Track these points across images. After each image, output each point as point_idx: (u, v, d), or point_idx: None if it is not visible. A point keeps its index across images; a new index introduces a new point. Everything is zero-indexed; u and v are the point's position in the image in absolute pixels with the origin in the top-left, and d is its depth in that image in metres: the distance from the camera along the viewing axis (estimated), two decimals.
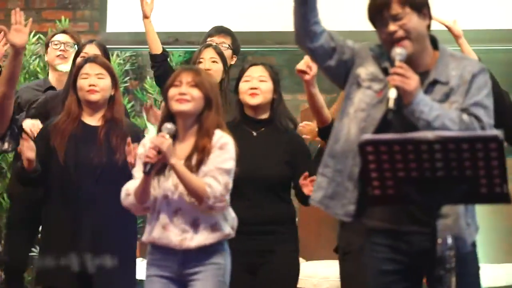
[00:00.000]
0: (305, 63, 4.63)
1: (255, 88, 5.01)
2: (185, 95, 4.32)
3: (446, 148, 3.13)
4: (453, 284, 3.24)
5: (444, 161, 3.15)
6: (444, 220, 3.60)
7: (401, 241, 3.48)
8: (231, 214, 4.42)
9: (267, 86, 5.03)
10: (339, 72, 3.81)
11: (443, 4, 6.58)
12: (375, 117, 3.66)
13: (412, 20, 3.63)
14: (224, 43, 6.06)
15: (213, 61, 5.65)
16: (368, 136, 3.37)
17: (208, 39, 6.11)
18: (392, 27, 3.62)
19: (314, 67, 4.53)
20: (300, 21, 3.73)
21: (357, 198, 3.66)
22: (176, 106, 4.34)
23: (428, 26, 3.69)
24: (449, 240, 3.25)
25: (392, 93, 3.51)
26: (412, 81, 3.55)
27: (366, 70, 3.75)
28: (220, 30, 6.23)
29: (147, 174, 4.19)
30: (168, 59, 6.13)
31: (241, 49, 6.41)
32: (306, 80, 4.70)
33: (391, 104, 3.47)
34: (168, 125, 4.26)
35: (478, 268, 3.84)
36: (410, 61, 3.64)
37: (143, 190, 4.28)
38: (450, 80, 3.72)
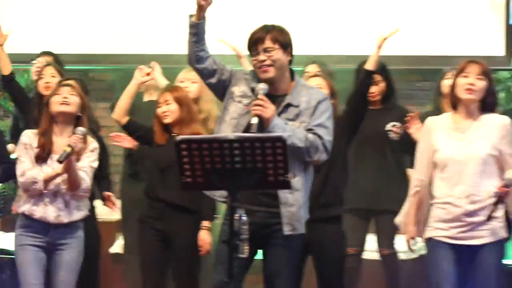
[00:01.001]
0: None
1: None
2: (67, 99, 5.34)
3: (243, 146, 3.83)
4: (246, 251, 3.96)
5: (241, 156, 3.84)
6: (290, 208, 4.66)
7: (251, 216, 4.20)
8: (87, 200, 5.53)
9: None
10: (218, 88, 4.73)
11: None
12: (243, 124, 4.57)
13: (278, 54, 4.56)
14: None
15: (53, 76, 6.35)
16: (182, 136, 4.06)
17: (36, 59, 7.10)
18: (262, 56, 4.55)
19: None
20: (191, 48, 4.64)
21: None
22: (58, 107, 5.34)
23: (290, 61, 4.65)
24: (244, 217, 3.94)
25: (254, 120, 4.37)
26: (269, 110, 4.42)
27: (239, 88, 4.68)
28: (44, 53, 7.23)
29: (60, 162, 5.09)
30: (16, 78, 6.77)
31: (84, 67, 8.16)
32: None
33: (253, 128, 4.36)
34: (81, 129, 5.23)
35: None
36: (272, 83, 4.58)
37: (72, 178, 5.21)
38: (300, 104, 4.65)
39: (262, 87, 4.50)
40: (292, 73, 4.70)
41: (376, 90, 6.38)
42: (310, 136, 4.59)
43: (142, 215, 5.83)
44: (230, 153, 3.86)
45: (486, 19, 8.43)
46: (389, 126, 6.47)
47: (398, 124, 6.40)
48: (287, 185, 4.06)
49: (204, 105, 6.37)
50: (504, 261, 6.56)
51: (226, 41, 6.10)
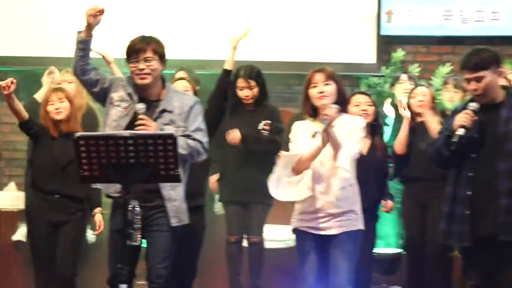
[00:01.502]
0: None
1: None
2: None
3: (136, 142, 4.09)
4: (138, 239, 4.31)
5: (135, 152, 4.10)
6: (174, 202, 5.03)
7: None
8: None
9: None
10: (100, 96, 5.08)
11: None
12: (122, 125, 4.90)
13: (156, 64, 4.94)
14: None
15: None
16: (80, 133, 4.29)
17: None
18: (142, 65, 4.90)
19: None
20: (78, 61, 5.01)
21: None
22: None
23: (162, 70, 5.02)
24: (137, 208, 4.23)
25: None
26: (152, 127, 4.79)
27: (117, 94, 5.03)
28: None
29: None
30: None
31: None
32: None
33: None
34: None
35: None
36: (147, 89, 4.96)
37: None
38: (174, 109, 5.00)
39: (141, 107, 4.85)
40: (163, 80, 5.07)
41: (250, 93, 6.68)
42: (191, 142, 4.96)
43: (30, 207, 6.09)
44: (124, 149, 4.12)
45: (359, 29, 8.69)
46: (261, 125, 6.74)
47: (268, 121, 6.71)
48: (177, 179, 4.34)
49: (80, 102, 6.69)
50: (377, 250, 7.04)
51: (96, 48, 6.23)
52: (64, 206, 5.99)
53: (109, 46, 6.57)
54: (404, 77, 7.70)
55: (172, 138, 4.21)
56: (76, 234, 6.05)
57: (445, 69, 8.54)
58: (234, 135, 6.67)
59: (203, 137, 5.13)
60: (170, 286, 5.27)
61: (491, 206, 5.09)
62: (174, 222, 5.03)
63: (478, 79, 5.06)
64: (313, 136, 5.01)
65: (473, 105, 5.02)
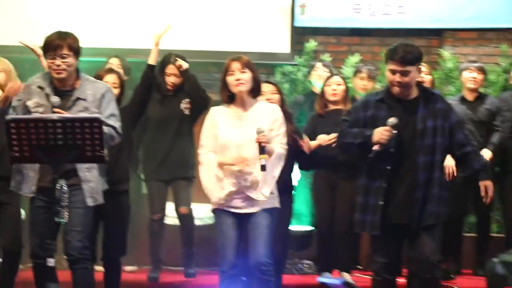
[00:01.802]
0: None
1: None
2: None
3: (65, 125, 4.35)
4: (65, 216, 4.58)
5: (63, 134, 4.35)
6: (89, 184, 5.18)
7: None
8: None
9: None
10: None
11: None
12: None
13: (72, 60, 5.07)
14: None
15: None
16: (11, 116, 4.50)
17: None
18: (58, 61, 5.02)
19: None
20: None
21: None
22: None
23: (77, 63, 5.15)
24: (64, 187, 4.50)
25: None
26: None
27: (32, 101, 5.09)
28: None
29: None
30: None
31: None
32: None
33: None
34: None
35: None
36: (63, 81, 5.08)
37: None
38: (87, 97, 5.16)
39: (55, 100, 4.94)
40: (78, 70, 5.20)
41: (174, 80, 6.89)
42: (105, 128, 4.90)
43: None
44: (53, 132, 4.37)
45: (274, 21, 8.90)
46: (182, 106, 6.96)
47: (188, 100, 6.94)
48: (102, 159, 4.60)
49: None
50: (294, 227, 7.22)
51: (24, 41, 6.24)
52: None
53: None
54: (319, 65, 7.84)
55: (98, 121, 4.46)
56: (17, 211, 6.04)
57: (355, 58, 8.80)
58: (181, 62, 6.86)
59: (115, 122, 5.27)
60: (87, 258, 5.32)
61: (407, 197, 5.19)
62: (89, 202, 5.21)
63: (404, 73, 5.14)
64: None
65: (392, 121, 5.08)
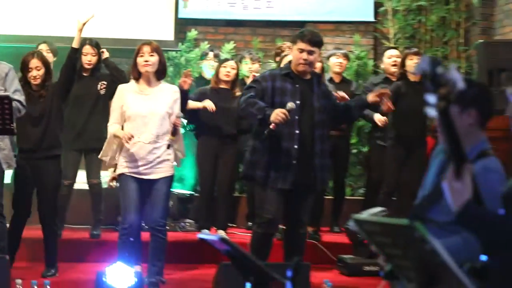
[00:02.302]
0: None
1: None
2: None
3: None
4: None
5: None
6: (3, 151, 5.57)
7: None
8: None
9: None
10: None
11: None
12: None
13: None
14: None
15: None
16: None
17: None
18: None
19: None
20: None
21: None
22: None
23: None
24: None
25: None
26: None
27: None
28: None
29: None
30: None
31: None
32: None
33: None
34: None
35: None
36: None
37: None
38: None
39: None
40: None
41: (90, 58, 7.22)
42: (13, 103, 5.22)
43: None
44: None
45: (162, 12, 9.30)
46: (98, 86, 7.27)
47: (104, 82, 7.27)
48: (12, 132, 5.16)
49: None
50: (178, 190, 7.65)
51: None
52: None
53: None
54: (211, 54, 8.08)
55: (8, 99, 4.98)
56: None
57: (230, 46, 9.25)
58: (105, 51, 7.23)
59: (20, 96, 5.55)
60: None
61: (309, 163, 5.53)
62: (5, 167, 5.65)
63: (311, 52, 5.46)
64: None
65: (290, 106, 5.32)
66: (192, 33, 9.42)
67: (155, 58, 5.77)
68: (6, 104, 4.98)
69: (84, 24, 6.40)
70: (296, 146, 5.50)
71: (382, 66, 8.31)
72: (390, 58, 7.97)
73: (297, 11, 9.56)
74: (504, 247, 2.67)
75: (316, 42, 5.55)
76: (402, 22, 9.46)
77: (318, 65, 6.91)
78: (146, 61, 5.73)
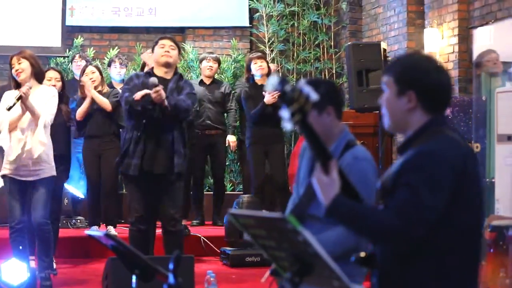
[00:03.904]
0: None
1: None
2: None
3: None
4: None
5: None
6: None
7: None
8: None
9: None
10: None
11: None
12: None
13: None
14: None
15: None
16: None
17: None
18: None
19: None
20: None
21: None
22: None
23: None
24: None
25: None
26: None
27: None
28: None
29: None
30: None
31: None
32: None
33: None
34: None
35: None
36: None
37: None
38: None
39: None
40: None
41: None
42: None
43: None
44: None
45: (49, 20, 9.28)
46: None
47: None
48: None
49: None
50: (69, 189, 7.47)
51: None
52: None
53: None
54: (77, 57, 8.01)
55: None
56: None
57: (114, 51, 9.11)
58: None
59: None
60: None
61: (161, 150, 5.57)
62: None
63: (172, 47, 5.69)
64: (9, 108, 5.37)
65: (153, 80, 5.46)
66: (78, 40, 9.36)
67: (25, 64, 5.65)
68: None
69: None
70: (140, 134, 5.56)
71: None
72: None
73: (178, 18, 9.58)
74: (375, 239, 2.66)
75: (175, 41, 5.83)
76: (276, 26, 9.54)
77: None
78: (17, 70, 5.64)
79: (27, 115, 5.60)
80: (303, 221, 3.17)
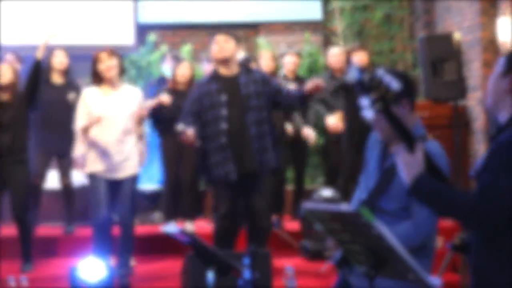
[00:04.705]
0: None
1: None
2: None
3: None
4: None
5: None
6: None
7: None
8: None
9: None
10: None
11: None
12: None
13: None
14: None
15: None
16: None
17: None
18: None
19: None
20: None
21: None
22: None
23: None
24: None
25: None
26: None
27: None
28: None
29: None
30: None
31: None
32: None
33: None
34: None
35: None
36: None
37: None
38: None
39: None
40: None
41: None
42: None
43: None
44: None
45: (122, 19, 9.30)
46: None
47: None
48: None
49: None
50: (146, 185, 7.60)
51: None
52: None
53: None
54: (169, 56, 7.80)
55: None
56: None
57: (187, 47, 9.22)
58: None
59: None
60: None
61: (246, 149, 5.47)
62: None
63: (226, 41, 5.54)
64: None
65: (180, 128, 5.33)
66: (152, 37, 9.40)
67: (114, 61, 5.81)
68: None
69: (47, 40, 6.38)
70: (225, 141, 5.48)
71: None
72: (334, 56, 7.86)
73: (250, 13, 9.60)
74: (457, 218, 2.73)
75: (231, 36, 5.63)
76: (349, 19, 9.50)
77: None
78: (108, 65, 5.78)
79: (122, 114, 5.76)
80: (373, 214, 3.21)
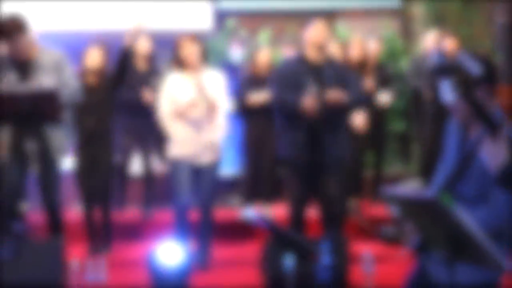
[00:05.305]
0: None
1: None
2: None
3: None
4: None
5: None
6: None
7: None
8: None
9: None
10: None
11: None
12: None
13: None
14: None
15: None
16: None
17: None
18: None
19: None
20: None
21: None
22: None
23: None
24: None
25: None
26: None
27: None
28: None
29: None
30: None
31: None
32: None
33: None
34: None
35: None
36: None
37: None
38: None
39: None
40: None
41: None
42: (68, 90, 5.24)
43: None
44: None
45: (201, 6, 9.31)
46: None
47: None
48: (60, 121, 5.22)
49: None
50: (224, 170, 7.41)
51: None
52: None
53: None
54: (236, 43, 7.97)
55: (53, 94, 5.06)
56: None
57: (265, 33, 9.25)
58: None
59: (74, 83, 5.31)
60: None
61: (321, 136, 5.40)
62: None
63: None
64: None
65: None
66: (230, 23, 9.42)
67: (198, 48, 5.85)
68: (52, 98, 5.08)
69: (137, 27, 6.26)
70: (306, 136, 5.47)
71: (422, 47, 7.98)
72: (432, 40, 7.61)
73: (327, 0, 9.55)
74: None
75: None
76: (428, 5, 9.40)
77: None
78: (191, 52, 5.82)
79: (205, 99, 5.80)
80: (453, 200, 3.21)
